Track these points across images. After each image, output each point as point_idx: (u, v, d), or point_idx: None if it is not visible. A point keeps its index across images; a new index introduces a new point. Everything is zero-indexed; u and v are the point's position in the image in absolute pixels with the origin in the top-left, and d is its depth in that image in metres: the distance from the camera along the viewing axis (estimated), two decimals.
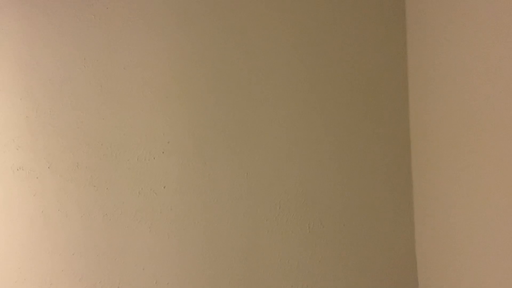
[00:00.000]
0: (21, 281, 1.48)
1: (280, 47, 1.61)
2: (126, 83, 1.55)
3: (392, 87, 1.64)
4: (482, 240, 1.26)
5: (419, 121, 1.60)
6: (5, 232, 1.48)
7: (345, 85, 1.62)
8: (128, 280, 1.52)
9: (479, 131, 1.26)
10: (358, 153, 1.62)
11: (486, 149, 1.24)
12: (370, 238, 1.61)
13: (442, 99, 1.45)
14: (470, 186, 1.31)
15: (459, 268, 1.37)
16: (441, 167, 1.47)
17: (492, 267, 1.22)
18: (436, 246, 1.51)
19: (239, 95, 1.59)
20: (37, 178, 1.50)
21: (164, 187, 1.55)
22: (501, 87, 1.17)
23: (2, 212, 1.49)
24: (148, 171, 1.54)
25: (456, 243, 1.39)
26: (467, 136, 1.32)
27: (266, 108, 1.59)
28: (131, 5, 1.57)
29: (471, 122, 1.30)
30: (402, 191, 1.63)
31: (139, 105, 1.55)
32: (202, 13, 1.59)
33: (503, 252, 1.17)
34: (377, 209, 1.62)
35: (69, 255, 1.51)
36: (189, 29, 1.59)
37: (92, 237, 1.51)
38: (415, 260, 1.62)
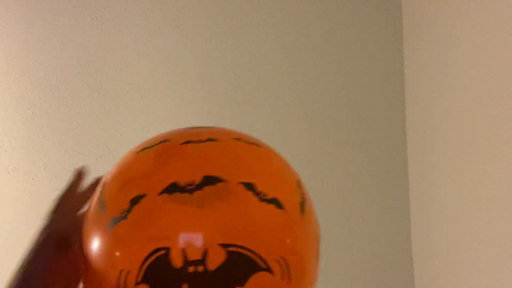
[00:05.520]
0: None
1: (275, 48, 1.61)
2: (123, 84, 1.55)
3: (388, 87, 1.64)
4: (478, 243, 1.26)
5: (416, 122, 1.59)
6: (0, 234, 1.48)
7: (341, 86, 1.62)
8: None
9: (476, 133, 1.26)
10: (354, 156, 1.61)
11: (483, 151, 1.23)
12: (366, 241, 1.60)
13: (439, 101, 1.45)
14: (467, 188, 1.31)
15: (456, 271, 1.37)
16: (437, 170, 1.46)
17: (488, 269, 1.22)
18: (433, 250, 1.50)
19: (235, 96, 1.58)
20: (33, 179, 1.50)
21: None
22: (498, 88, 1.17)
23: None
24: None
25: (452, 246, 1.38)
26: (463, 138, 1.32)
27: (262, 109, 1.59)
28: (128, 7, 1.57)
29: (468, 123, 1.30)
30: (399, 194, 1.62)
31: (135, 106, 1.55)
32: (198, 15, 1.59)
33: (499, 255, 1.17)
34: (373, 212, 1.61)
35: None
36: (185, 31, 1.58)
37: None
38: (411, 263, 1.62)
